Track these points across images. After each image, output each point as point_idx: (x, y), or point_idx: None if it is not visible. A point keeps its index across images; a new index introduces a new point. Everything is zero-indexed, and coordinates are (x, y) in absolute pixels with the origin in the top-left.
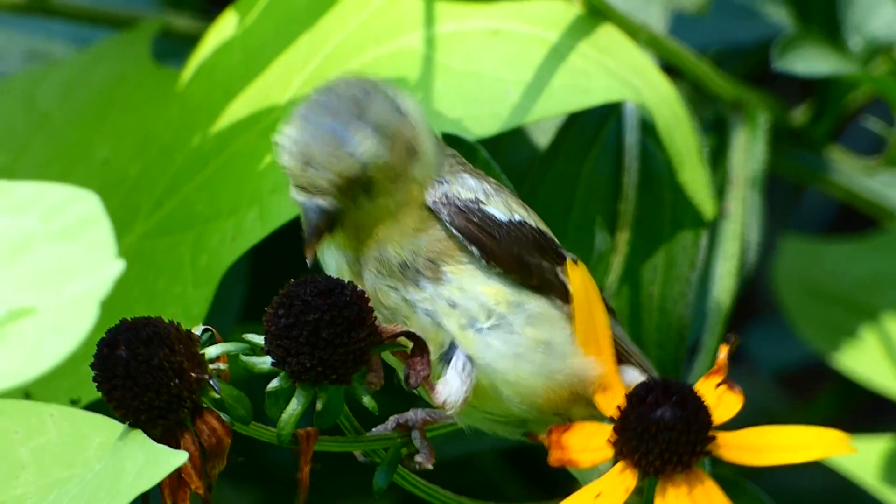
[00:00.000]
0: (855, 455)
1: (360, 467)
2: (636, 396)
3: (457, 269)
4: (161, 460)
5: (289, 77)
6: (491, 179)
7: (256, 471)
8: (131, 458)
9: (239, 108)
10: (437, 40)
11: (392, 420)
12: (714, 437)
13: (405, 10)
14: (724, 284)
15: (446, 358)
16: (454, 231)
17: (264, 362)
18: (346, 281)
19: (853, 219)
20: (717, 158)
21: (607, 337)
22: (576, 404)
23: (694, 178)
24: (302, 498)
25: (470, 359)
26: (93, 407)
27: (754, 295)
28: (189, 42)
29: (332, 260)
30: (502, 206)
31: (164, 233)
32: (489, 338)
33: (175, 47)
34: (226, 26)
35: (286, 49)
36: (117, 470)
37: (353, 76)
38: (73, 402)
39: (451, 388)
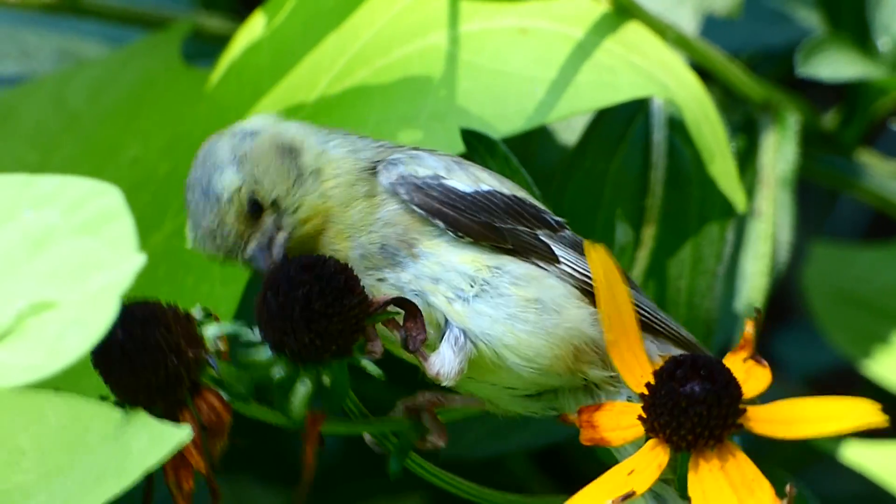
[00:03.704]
0: (885, 461)
1: (381, 469)
2: (664, 372)
3: (429, 244)
4: (165, 437)
5: (316, 76)
6: (458, 158)
7: (283, 470)
8: (135, 438)
9: (267, 108)
10: (464, 38)
11: (400, 404)
12: (745, 410)
13: (433, 8)
14: (755, 284)
15: (443, 335)
16: (415, 208)
17: (263, 353)
18: (327, 255)
19: (888, 225)
20: (747, 159)
21: (631, 313)
22: (589, 365)
23: (724, 170)
24: (305, 480)
25: (464, 332)
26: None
27: (785, 300)
28: (219, 43)
29: None
30: (466, 178)
31: None
32: (477, 304)
33: (205, 48)
34: (255, 27)
35: (314, 49)
36: (122, 450)
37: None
38: (102, 400)
39: (443, 358)
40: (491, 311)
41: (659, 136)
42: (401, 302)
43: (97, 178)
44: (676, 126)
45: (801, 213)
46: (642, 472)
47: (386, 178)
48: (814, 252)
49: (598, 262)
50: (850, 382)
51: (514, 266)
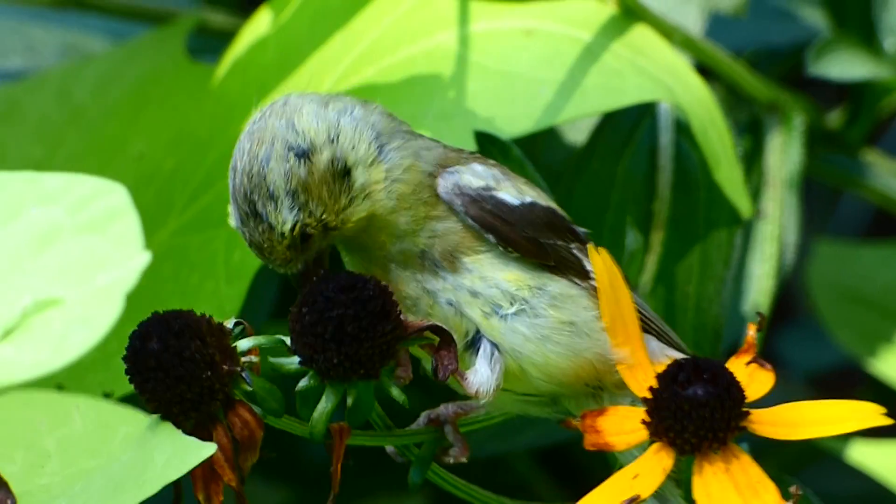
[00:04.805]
0: (889, 460)
1: (392, 465)
2: (668, 375)
3: (475, 258)
4: (189, 451)
5: (322, 74)
6: (497, 164)
7: (289, 468)
8: (160, 449)
9: None
10: (471, 39)
11: (423, 416)
12: (748, 413)
13: (439, 8)
14: (762, 286)
15: (473, 346)
16: (469, 221)
17: (292, 362)
18: (369, 276)
19: (892, 224)
20: (753, 160)
21: (634, 318)
22: (607, 375)
23: (730, 176)
24: (334, 492)
25: (496, 346)
26: (125, 401)
27: (789, 298)
28: (224, 38)
29: (355, 259)
30: (512, 190)
31: (198, 229)
32: (514, 323)
33: (210, 43)
34: (260, 23)
35: (320, 47)
36: (145, 460)
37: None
38: (107, 396)
39: (481, 376)
40: (525, 330)
41: (666, 139)
42: (436, 329)
43: (102, 173)
44: (683, 130)
45: (805, 211)
46: (647, 476)
47: (442, 187)
48: (818, 250)
49: (602, 265)
50: (854, 381)
51: (554, 285)
